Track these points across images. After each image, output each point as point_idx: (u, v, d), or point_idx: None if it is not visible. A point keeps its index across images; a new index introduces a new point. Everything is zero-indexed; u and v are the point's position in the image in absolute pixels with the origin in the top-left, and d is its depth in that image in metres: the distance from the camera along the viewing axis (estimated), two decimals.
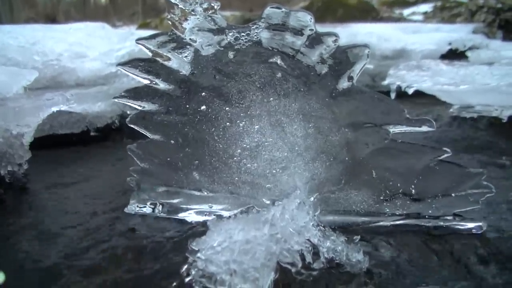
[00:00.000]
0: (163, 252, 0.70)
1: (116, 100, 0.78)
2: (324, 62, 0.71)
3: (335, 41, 0.70)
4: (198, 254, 0.58)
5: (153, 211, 0.82)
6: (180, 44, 0.74)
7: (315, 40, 0.70)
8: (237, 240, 0.59)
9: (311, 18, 0.68)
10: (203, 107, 0.76)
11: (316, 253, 0.63)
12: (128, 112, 1.36)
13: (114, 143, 1.42)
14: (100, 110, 1.39)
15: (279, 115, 0.74)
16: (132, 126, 0.78)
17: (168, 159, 0.79)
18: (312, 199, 0.74)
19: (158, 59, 0.75)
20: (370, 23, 3.79)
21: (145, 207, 0.82)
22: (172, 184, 0.80)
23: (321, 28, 0.70)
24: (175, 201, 0.81)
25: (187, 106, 0.76)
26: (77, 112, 1.33)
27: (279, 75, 0.73)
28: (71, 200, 0.92)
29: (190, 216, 0.80)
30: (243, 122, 0.75)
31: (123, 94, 0.77)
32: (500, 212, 0.81)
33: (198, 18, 0.71)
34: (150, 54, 0.75)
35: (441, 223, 0.74)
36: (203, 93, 0.75)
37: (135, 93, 0.77)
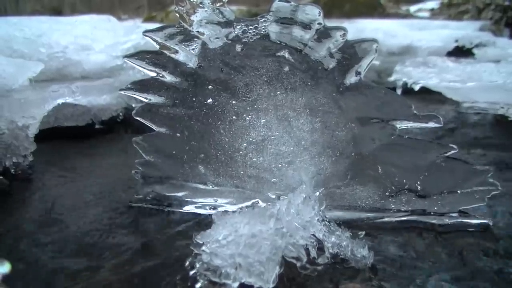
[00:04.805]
0: (167, 244, 0.70)
1: (122, 92, 0.78)
2: (332, 57, 0.71)
3: (343, 35, 0.69)
4: (203, 247, 0.58)
5: (158, 204, 0.81)
6: (187, 37, 0.73)
7: (323, 34, 0.70)
8: (243, 233, 0.59)
9: (319, 12, 0.68)
10: (210, 100, 0.76)
11: (321, 248, 0.63)
12: (134, 105, 1.36)
13: (119, 136, 1.41)
14: (106, 102, 1.39)
15: (286, 109, 0.74)
16: (137, 118, 0.78)
17: (174, 152, 0.79)
18: (317, 194, 0.74)
19: (165, 51, 0.75)
20: (376, 19, 3.78)
21: (149, 199, 0.82)
22: (177, 177, 0.80)
23: (328, 24, 0.70)
24: (180, 194, 0.81)
25: (194, 99, 0.76)
26: (82, 105, 1.33)
27: (286, 69, 0.73)
28: (76, 192, 0.92)
29: (195, 209, 0.80)
30: (249, 116, 0.75)
31: (129, 86, 0.77)
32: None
33: (206, 10, 0.71)
34: (157, 46, 0.75)
35: (446, 220, 0.74)
36: (210, 86, 0.75)
37: (141, 85, 0.77)
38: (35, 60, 1.35)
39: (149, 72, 0.76)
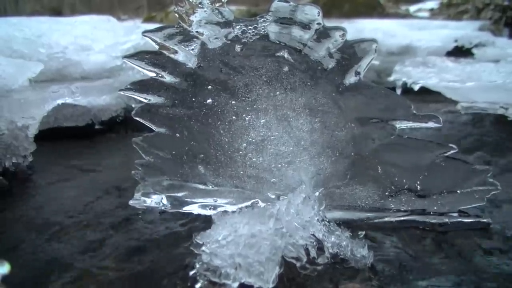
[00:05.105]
0: (167, 245, 0.70)
1: (121, 92, 0.78)
2: (331, 57, 0.71)
3: (343, 35, 0.69)
4: (203, 248, 0.58)
5: (158, 204, 0.81)
6: (187, 37, 0.73)
7: (323, 34, 0.70)
8: (242, 234, 0.59)
9: (319, 12, 0.68)
10: (209, 101, 0.76)
11: (320, 248, 0.63)
12: (133, 105, 1.36)
13: (119, 136, 1.42)
14: (105, 103, 1.39)
15: (285, 109, 0.74)
16: (137, 119, 0.78)
17: (173, 152, 0.79)
18: (317, 194, 0.74)
19: (164, 51, 0.75)
20: (376, 19, 3.79)
21: (149, 200, 0.82)
22: (177, 178, 0.80)
23: (327, 24, 0.70)
24: (179, 194, 0.81)
25: (193, 99, 0.76)
26: (82, 105, 1.33)
27: (286, 69, 0.73)
28: (75, 193, 0.92)
29: (195, 209, 0.80)
30: (249, 116, 0.75)
31: (128, 86, 0.77)
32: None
33: (205, 11, 0.71)
34: (156, 46, 0.75)
35: (446, 220, 0.74)
36: (209, 87, 0.75)
37: (141, 85, 0.77)
38: (35, 61, 1.35)
39: (149, 73, 0.76)
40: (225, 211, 0.67)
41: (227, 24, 0.72)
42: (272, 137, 0.75)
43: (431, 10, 5.56)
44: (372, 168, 0.75)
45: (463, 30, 2.78)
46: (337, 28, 0.69)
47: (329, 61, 0.72)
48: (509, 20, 3.94)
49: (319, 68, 0.72)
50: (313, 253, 0.61)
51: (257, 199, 0.77)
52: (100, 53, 1.62)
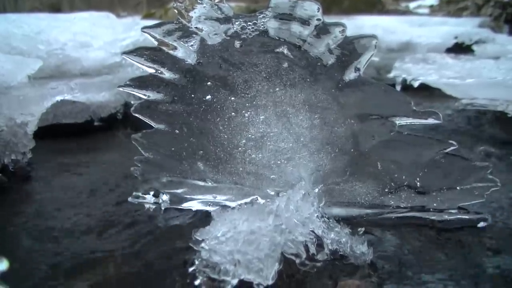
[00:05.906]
0: (166, 241, 0.70)
1: (120, 89, 0.77)
2: (331, 53, 0.71)
3: (343, 31, 0.69)
4: (202, 244, 0.58)
5: (157, 201, 0.81)
6: (186, 33, 0.73)
7: (322, 30, 0.69)
8: (242, 230, 0.59)
9: (318, 8, 0.68)
10: (208, 97, 0.75)
11: (320, 245, 0.63)
12: (133, 102, 1.36)
13: (118, 133, 1.41)
14: (104, 99, 1.39)
15: (285, 106, 0.74)
16: (136, 115, 0.78)
17: (173, 148, 0.79)
18: (316, 190, 0.74)
19: (163, 48, 0.74)
20: (376, 15, 3.78)
21: (148, 196, 0.82)
22: (176, 174, 0.80)
23: (327, 20, 0.69)
24: (179, 191, 0.81)
25: (192, 95, 0.76)
26: (81, 102, 1.33)
27: (285, 65, 0.72)
28: (75, 190, 0.92)
29: (194, 206, 0.80)
30: (248, 112, 0.75)
31: (128, 83, 0.77)
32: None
33: (204, 6, 0.70)
34: (155, 43, 0.74)
35: (446, 217, 0.74)
36: (209, 83, 0.75)
37: (140, 82, 0.77)
38: (34, 57, 1.35)
39: (148, 69, 0.76)
40: (225, 208, 0.67)
41: (226, 20, 0.72)
42: (271, 134, 0.75)
43: (431, 6, 5.55)
44: (372, 164, 0.75)
45: (463, 27, 2.78)
46: (337, 24, 0.69)
47: (329, 57, 0.71)
48: (509, 16, 3.93)
49: (319, 64, 0.72)
50: (312, 249, 0.61)
51: (256, 196, 0.77)
52: (99, 49, 1.62)
